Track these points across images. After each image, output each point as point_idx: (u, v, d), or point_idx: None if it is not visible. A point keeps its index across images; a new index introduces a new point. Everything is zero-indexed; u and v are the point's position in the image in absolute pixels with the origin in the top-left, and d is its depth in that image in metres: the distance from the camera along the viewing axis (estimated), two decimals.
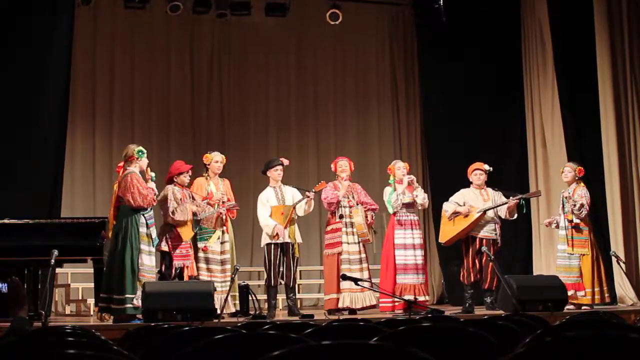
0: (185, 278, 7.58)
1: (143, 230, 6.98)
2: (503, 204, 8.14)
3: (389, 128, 11.54)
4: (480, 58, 10.56)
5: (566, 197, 8.12)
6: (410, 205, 8.22)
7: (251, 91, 11.40)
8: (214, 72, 11.33)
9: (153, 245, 7.07)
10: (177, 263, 7.46)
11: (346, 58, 11.65)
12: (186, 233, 7.58)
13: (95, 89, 10.77)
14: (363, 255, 8.16)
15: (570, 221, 8.06)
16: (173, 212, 7.48)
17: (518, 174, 10.40)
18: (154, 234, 7.08)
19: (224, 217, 7.93)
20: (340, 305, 7.99)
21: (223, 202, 7.96)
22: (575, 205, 7.97)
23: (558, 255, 8.26)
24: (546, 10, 9.95)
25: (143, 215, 6.99)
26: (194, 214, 7.62)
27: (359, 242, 8.13)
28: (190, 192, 7.78)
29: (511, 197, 8.12)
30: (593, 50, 9.24)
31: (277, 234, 7.90)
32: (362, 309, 8.01)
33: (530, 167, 10.36)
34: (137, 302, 6.83)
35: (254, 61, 11.39)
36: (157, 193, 7.15)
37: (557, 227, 8.30)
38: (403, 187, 8.17)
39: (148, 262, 7.00)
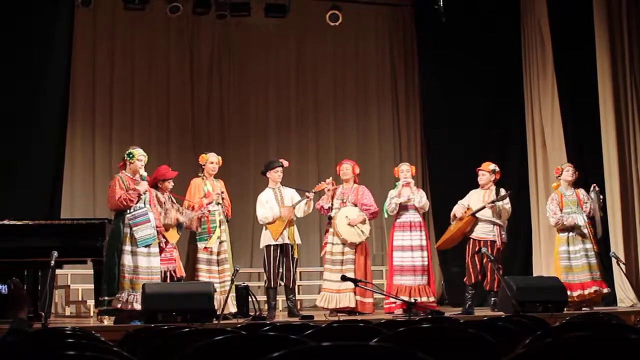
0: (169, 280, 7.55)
1: (126, 230, 7.07)
2: (482, 208, 8.12)
3: (389, 128, 11.53)
4: (480, 58, 10.56)
5: (596, 190, 8.15)
6: (408, 207, 8.22)
7: (251, 92, 11.39)
8: (214, 72, 11.32)
9: (137, 245, 7.09)
10: (161, 267, 7.44)
11: (346, 59, 11.64)
12: (172, 236, 7.56)
13: (95, 89, 10.76)
14: (349, 256, 8.08)
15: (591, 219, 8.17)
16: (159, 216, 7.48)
17: (518, 174, 10.39)
18: (139, 234, 7.08)
19: (204, 218, 7.87)
20: (317, 303, 8.03)
21: (219, 202, 7.94)
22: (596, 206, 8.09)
23: (578, 255, 8.13)
24: (546, 11, 9.96)
25: (125, 215, 7.07)
26: (177, 220, 7.64)
27: (343, 244, 8.10)
28: (170, 195, 7.78)
29: (487, 203, 8.11)
30: (593, 51, 9.24)
31: (283, 215, 7.93)
32: (340, 310, 7.88)
33: (530, 167, 10.35)
34: (117, 303, 6.93)
35: (254, 62, 11.38)
36: (141, 194, 7.15)
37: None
38: (397, 189, 8.20)
39: (129, 262, 7.02)
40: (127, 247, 7.05)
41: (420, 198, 8.23)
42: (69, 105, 9.81)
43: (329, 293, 8.04)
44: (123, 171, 7.24)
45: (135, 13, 10.57)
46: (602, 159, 9.13)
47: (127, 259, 7.03)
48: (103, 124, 10.77)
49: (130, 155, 7.20)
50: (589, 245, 8.13)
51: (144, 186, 7.16)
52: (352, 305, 7.96)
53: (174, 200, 7.80)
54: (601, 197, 8.24)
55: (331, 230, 8.18)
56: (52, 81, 9.37)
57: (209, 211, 7.85)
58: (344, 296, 7.98)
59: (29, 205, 8.66)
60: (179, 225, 7.68)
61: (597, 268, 8.14)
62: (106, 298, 7.00)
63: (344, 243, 8.08)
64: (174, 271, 7.59)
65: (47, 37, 9.35)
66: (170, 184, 7.77)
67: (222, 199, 8.00)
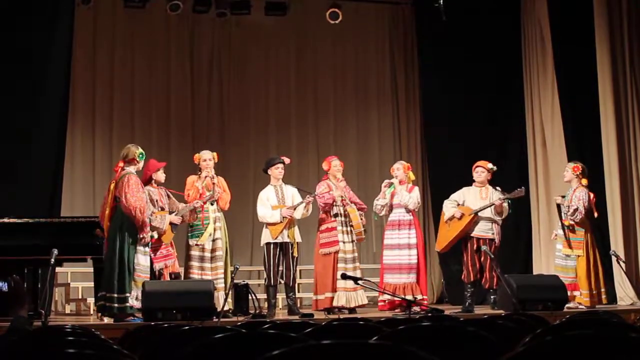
0: (165, 277, 7.49)
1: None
2: (490, 205, 8.11)
3: (389, 128, 11.52)
4: (481, 57, 10.55)
5: (560, 204, 8.21)
6: (394, 206, 8.25)
7: (251, 91, 11.39)
8: (214, 71, 11.31)
9: (149, 246, 7.10)
10: (158, 265, 7.41)
11: (346, 57, 11.63)
12: (165, 236, 7.51)
13: (95, 89, 10.75)
14: (356, 254, 8.27)
15: (567, 225, 8.14)
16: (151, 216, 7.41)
17: (518, 173, 10.38)
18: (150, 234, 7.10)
19: (199, 210, 7.80)
20: (335, 303, 8.03)
21: (214, 200, 7.87)
22: (569, 211, 8.03)
23: (556, 254, 8.36)
24: (546, 10, 9.95)
25: None
26: (172, 223, 7.57)
27: (353, 241, 8.19)
28: (167, 190, 7.72)
29: (499, 198, 8.12)
30: (593, 50, 9.24)
31: (286, 216, 7.95)
32: (356, 307, 8.10)
33: (530, 167, 10.35)
34: (132, 301, 6.88)
35: (253, 60, 11.38)
36: (146, 202, 7.12)
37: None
38: (382, 191, 8.24)
39: (143, 262, 7.03)
40: (141, 247, 7.02)
41: (402, 196, 8.21)
42: (69, 105, 9.80)
43: (349, 292, 8.05)
44: (132, 171, 7.13)
45: (136, 11, 10.57)
46: (602, 158, 9.13)
47: (142, 259, 7.01)
48: (103, 123, 10.76)
49: (142, 156, 7.16)
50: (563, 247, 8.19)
51: (161, 224, 7.19)
52: (366, 302, 8.23)
53: (169, 195, 7.72)
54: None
55: (340, 228, 8.16)
56: (52, 81, 9.37)
57: (204, 202, 7.78)
58: (361, 294, 8.13)
59: (29, 204, 8.67)
60: (173, 225, 7.62)
61: (572, 271, 8.12)
62: (127, 295, 6.88)
63: (358, 240, 8.23)
64: (166, 267, 7.51)
65: (47, 37, 9.35)
66: (161, 175, 7.62)
67: (216, 197, 7.95)
